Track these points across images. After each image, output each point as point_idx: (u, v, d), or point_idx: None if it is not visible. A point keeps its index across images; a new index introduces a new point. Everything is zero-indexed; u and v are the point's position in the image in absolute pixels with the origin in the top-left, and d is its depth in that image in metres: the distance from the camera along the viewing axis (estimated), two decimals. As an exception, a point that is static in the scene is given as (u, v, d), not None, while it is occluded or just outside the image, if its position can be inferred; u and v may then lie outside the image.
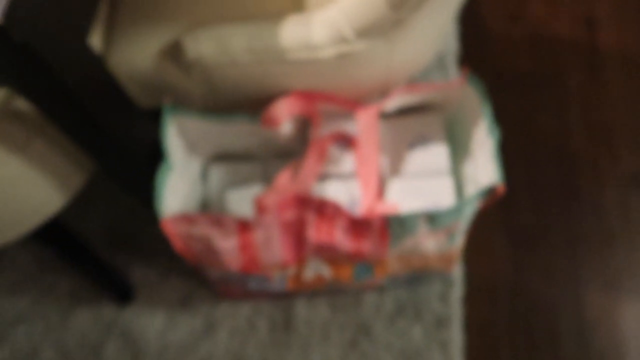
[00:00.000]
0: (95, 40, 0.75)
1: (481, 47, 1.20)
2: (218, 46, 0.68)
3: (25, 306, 0.96)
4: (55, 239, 0.94)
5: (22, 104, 0.70)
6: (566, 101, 1.13)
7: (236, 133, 0.78)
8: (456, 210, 0.64)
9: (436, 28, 0.74)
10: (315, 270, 0.77)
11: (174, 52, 0.70)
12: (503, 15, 1.24)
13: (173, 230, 0.66)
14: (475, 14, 1.24)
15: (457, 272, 0.95)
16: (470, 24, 1.22)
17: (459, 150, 0.79)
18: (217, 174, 0.86)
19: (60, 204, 0.75)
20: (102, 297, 0.96)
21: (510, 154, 1.06)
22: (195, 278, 0.97)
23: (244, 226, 0.65)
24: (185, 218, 0.64)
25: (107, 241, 1.01)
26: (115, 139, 0.63)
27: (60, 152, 0.71)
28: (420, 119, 0.78)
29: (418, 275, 0.87)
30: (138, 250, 1.00)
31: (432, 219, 0.64)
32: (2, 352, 0.93)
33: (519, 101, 1.13)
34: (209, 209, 0.84)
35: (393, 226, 0.65)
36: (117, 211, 1.04)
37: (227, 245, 0.67)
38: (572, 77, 1.15)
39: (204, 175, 0.87)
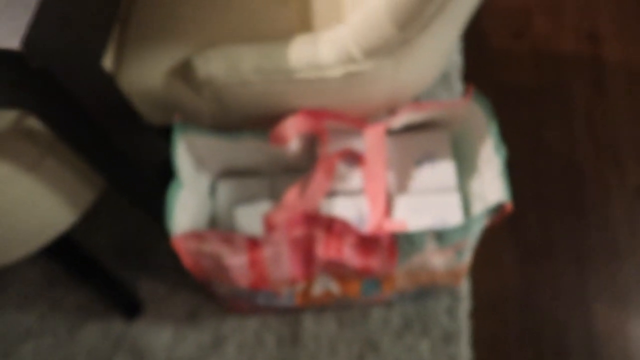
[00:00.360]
0: (106, 59, 0.76)
1: (485, 63, 1.21)
2: (228, 66, 0.69)
3: (34, 321, 0.97)
4: (64, 253, 0.95)
5: (33, 122, 0.71)
6: (571, 115, 1.13)
7: (245, 150, 0.79)
8: (464, 228, 0.64)
9: (442, 47, 0.75)
10: (324, 286, 0.78)
11: (184, 72, 0.71)
12: (506, 31, 1.25)
13: (183, 247, 0.66)
14: (479, 31, 1.25)
15: (464, 286, 0.95)
16: (474, 41, 1.23)
17: (465, 167, 0.80)
18: (226, 190, 0.86)
19: (70, 221, 0.76)
20: (110, 311, 0.97)
21: (516, 169, 1.07)
22: (203, 293, 0.97)
23: (253, 243, 0.65)
24: (196, 235, 0.64)
25: (115, 256, 1.02)
26: (127, 157, 0.64)
27: (72, 169, 0.72)
28: (426, 136, 0.79)
29: (425, 290, 0.87)
30: (146, 264, 1.01)
31: (440, 236, 0.65)
32: (12, 368, 0.93)
33: (524, 116, 1.14)
34: (218, 225, 0.84)
35: (401, 243, 0.66)
36: (126, 226, 1.05)
37: (237, 262, 0.67)
38: (577, 91, 1.16)
39: (213, 192, 0.88)
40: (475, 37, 1.24)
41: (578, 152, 1.09)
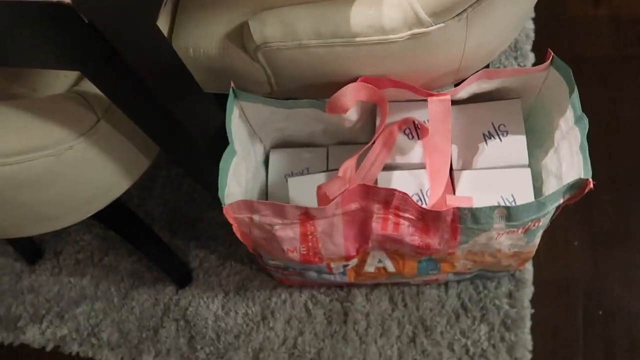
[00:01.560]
0: (161, 24, 0.74)
1: (560, 32, 1.11)
2: (284, 29, 0.65)
3: (87, 285, 0.98)
4: (118, 220, 0.95)
5: (90, 85, 0.70)
6: (654, 90, 1.03)
7: (301, 119, 0.76)
8: (538, 207, 0.58)
9: (518, 10, 0.68)
10: (378, 263, 0.74)
11: (239, 36, 0.68)
12: (584, -4, 1.15)
13: (234, 217, 0.64)
14: (553, -5, 1.15)
15: (528, 270, 0.89)
16: (548, 8, 1.13)
17: (538, 141, 0.73)
18: (280, 159, 0.84)
19: (124, 188, 0.76)
20: (161, 279, 0.97)
21: (591, 147, 0.98)
22: (253, 264, 0.96)
23: (306, 216, 0.62)
24: (247, 205, 0.62)
25: (168, 224, 1.02)
26: (181, 124, 0.61)
27: (127, 135, 0.70)
28: (496, 107, 0.73)
29: (486, 272, 0.82)
30: (198, 234, 1.01)
31: (510, 215, 0.59)
32: (62, 330, 0.95)
33: (600, 90, 1.05)
34: (271, 195, 0.82)
35: (465, 221, 0.61)
36: (179, 195, 1.05)
37: (288, 234, 0.65)
38: (662, 63, 1.06)
39: (267, 161, 0.85)
40: (549, 4, 1.14)
41: (660, 130, 0.99)
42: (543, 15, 1.13)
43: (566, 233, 0.93)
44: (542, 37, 1.10)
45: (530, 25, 1.11)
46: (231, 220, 0.64)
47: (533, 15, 1.12)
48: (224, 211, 0.62)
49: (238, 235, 0.67)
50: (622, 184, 0.96)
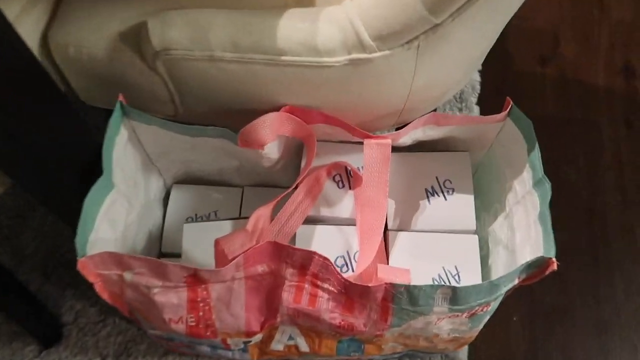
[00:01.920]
0: (35, 11, 0.58)
1: (504, 85, 1.06)
2: (193, 34, 0.52)
3: None
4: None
5: None
6: (598, 154, 0.99)
7: (209, 151, 0.62)
8: (490, 290, 0.47)
9: (473, 50, 0.59)
10: (288, 340, 0.59)
11: (136, 36, 0.54)
12: (532, 54, 1.11)
13: (95, 273, 0.48)
14: (501, 52, 1.11)
15: (463, 350, 0.77)
16: (494, 59, 1.08)
17: (486, 204, 0.63)
18: (183, 198, 0.70)
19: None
20: (22, 335, 0.77)
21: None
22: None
23: (195, 279, 0.47)
24: (115, 259, 0.46)
25: (41, 264, 0.83)
26: (29, 144, 0.45)
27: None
28: (442, 159, 0.62)
29: (416, 352, 0.69)
30: (78, 280, 0.81)
31: (455, 297, 0.47)
32: None
33: (543, 151, 0.98)
34: (166, 242, 0.67)
35: (400, 301, 0.48)
36: (61, 229, 0.86)
37: (171, 300, 0.49)
38: (606, 128, 1.02)
39: (165, 200, 0.70)
40: (495, 57, 1.09)
41: (604, 196, 0.94)
42: (489, 68, 1.07)
43: (506, 307, 0.83)
44: (488, 91, 1.04)
45: (477, 78, 1.05)
46: (91, 278, 0.47)
47: (480, 68, 1.06)
48: (79, 265, 0.45)
49: (104, 296, 0.50)
50: (563, 252, 0.88)
